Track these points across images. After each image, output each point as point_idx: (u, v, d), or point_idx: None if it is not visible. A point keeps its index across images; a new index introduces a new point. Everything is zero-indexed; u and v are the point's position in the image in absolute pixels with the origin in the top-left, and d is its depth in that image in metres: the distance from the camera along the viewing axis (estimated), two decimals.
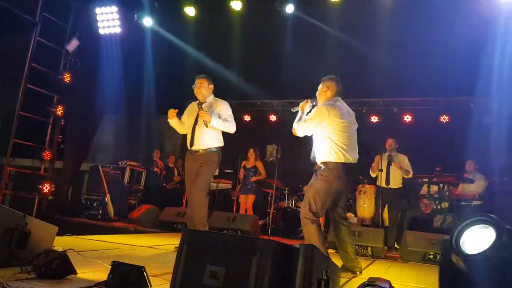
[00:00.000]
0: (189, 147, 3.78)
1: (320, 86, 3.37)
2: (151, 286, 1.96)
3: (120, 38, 8.14)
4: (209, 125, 3.64)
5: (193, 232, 1.78)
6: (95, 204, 6.90)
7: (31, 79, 7.06)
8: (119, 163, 7.97)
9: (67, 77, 7.57)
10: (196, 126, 3.73)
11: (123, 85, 8.46)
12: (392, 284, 1.61)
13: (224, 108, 3.83)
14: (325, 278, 1.64)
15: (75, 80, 7.80)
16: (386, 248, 5.12)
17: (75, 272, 2.12)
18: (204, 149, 3.70)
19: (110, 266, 1.92)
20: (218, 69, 7.84)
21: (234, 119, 3.88)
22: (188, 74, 8.61)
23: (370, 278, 1.66)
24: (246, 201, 7.25)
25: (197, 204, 3.66)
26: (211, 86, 3.90)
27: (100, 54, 8.03)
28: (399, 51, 6.93)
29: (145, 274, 1.92)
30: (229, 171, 8.23)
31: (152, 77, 9.13)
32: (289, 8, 6.63)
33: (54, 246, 2.48)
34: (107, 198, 6.86)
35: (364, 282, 1.56)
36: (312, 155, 3.38)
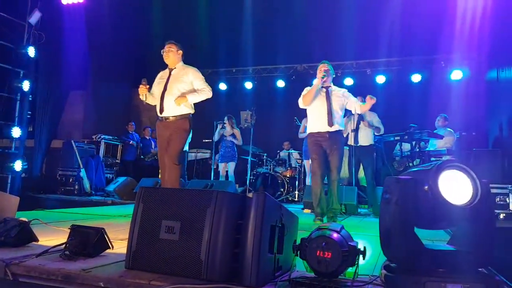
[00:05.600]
0: (159, 114, 3.66)
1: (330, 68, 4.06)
2: (112, 247, 1.98)
3: (84, 8, 7.79)
4: (187, 103, 3.58)
5: (149, 190, 1.78)
6: (70, 180, 6.80)
7: None
8: (93, 137, 7.82)
9: (31, 51, 7.25)
10: (165, 93, 3.61)
11: (89, 58, 8.17)
12: (352, 234, 1.64)
13: (198, 78, 3.70)
14: (279, 225, 1.67)
15: (40, 54, 7.48)
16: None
17: (36, 239, 2.11)
18: (175, 116, 3.59)
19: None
20: (190, 36, 7.62)
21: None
22: (158, 43, 8.37)
23: (322, 224, 1.70)
24: (226, 169, 7.27)
25: (169, 172, 3.62)
26: (180, 52, 3.77)
27: (64, 26, 7.68)
28: (370, 12, 6.87)
29: (105, 235, 1.92)
30: (208, 140, 8.19)
31: (120, 48, 8.83)
32: None
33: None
34: (82, 173, 6.78)
35: (316, 228, 1.59)
36: None
